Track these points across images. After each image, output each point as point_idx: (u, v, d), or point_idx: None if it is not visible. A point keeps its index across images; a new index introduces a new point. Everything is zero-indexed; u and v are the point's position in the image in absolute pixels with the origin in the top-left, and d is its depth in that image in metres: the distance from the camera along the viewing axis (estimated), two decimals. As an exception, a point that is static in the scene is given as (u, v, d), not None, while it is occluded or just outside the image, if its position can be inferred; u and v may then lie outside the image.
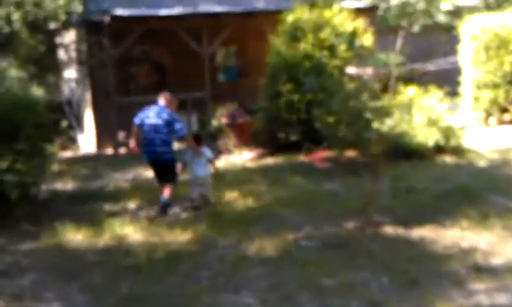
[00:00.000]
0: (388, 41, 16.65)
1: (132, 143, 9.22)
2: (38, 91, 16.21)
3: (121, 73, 15.88)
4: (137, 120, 9.10)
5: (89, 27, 15.37)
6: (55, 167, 13.09)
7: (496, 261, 6.29)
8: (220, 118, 13.91)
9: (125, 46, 14.99)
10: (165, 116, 8.96)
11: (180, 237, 7.69)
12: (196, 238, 7.62)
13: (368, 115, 8.55)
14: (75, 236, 7.91)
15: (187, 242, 7.51)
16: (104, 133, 15.59)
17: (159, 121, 8.92)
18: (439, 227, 7.42)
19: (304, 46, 12.77)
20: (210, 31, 15.61)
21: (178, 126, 8.95)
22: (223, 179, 10.35)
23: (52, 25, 15.24)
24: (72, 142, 16.77)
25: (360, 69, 12.85)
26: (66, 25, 15.37)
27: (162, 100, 9.18)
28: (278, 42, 13.28)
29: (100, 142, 15.82)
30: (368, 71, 12.40)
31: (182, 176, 9.47)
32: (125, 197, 9.94)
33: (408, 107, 9.47)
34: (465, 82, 15.70)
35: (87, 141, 16.43)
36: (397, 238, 7.15)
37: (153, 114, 9.01)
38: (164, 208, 8.81)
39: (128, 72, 16.39)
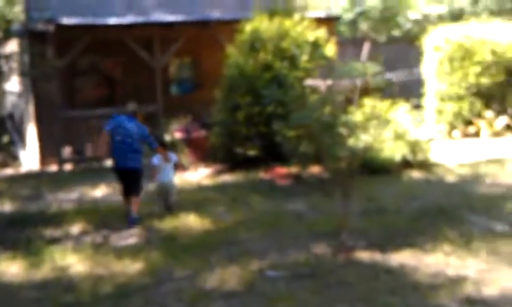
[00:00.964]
0: (348, 52, 16.05)
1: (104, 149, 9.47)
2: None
3: (67, 85, 14.90)
4: (108, 127, 9.13)
5: (33, 37, 14.35)
6: (-9, 187, 12.05)
7: (490, 291, 5.57)
8: (173, 132, 13.03)
9: (71, 56, 14.01)
10: (136, 126, 9.08)
11: (130, 267, 6.79)
12: (148, 268, 6.72)
13: (340, 130, 7.87)
14: (9, 268, 6.93)
15: (138, 273, 6.60)
16: (48, 149, 14.55)
17: (130, 131, 8.99)
18: (419, 252, 6.69)
19: (264, 56, 12.02)
20: (162, 41, 14.76)
21: (150, 138, 9.26)
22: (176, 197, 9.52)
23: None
24: (13, 159, 15.64)
25: (320, 81, 12.19)
26: (7, 35, 14.29)
27: (130, 111, 9.24)
28: (235, 52, 12.50)
29: (44, 159, 14.76)
30: (329, 83, 11.73)
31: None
32: (68, 220, 8.96)
33: (384, 121, 8.75)
34: (429, 94, 15.19)
35: (30, 157, 15.33)
36: (374, 265, 6.38)
37: (124, 124, 9.05)
38: (132, 224, 8.65)
39: (74, 84, 15.38)
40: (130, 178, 9.02)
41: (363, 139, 7.42)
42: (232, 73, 12.25)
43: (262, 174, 11.52)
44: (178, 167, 12.25)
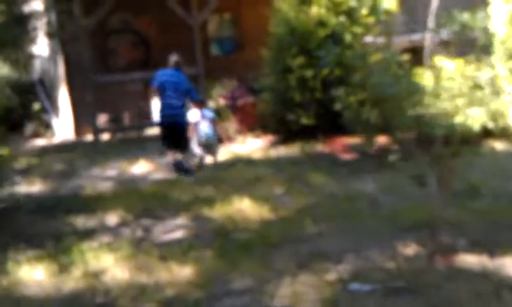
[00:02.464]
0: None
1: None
2: (1, 70, 14.01)
3: (99, 47, 13.65)
4: (155, 83, 9.06)
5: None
6: (22, 161, 10.96)
7: None
8: (217, 99, 11.73)
9: (99, 15, 12.73)
10: (183, 79, 9.06)
11: (178, 274, 5.55)
12: (199, 277, 5.48)
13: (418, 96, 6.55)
14: (33, 274, 5.76)
15: (188, 283, 5.37)
16: (82, 117, 13.41)
17: (181, 84, 8.98)
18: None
19: (317, 10, 10.57)
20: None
21: (194, 90, 9.24)
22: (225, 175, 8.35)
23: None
24: (45, 127, 14.53)
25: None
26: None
27: (174, 63, 9.16)
28: (284, 7, 11.03)
29: (78, 127, 13.64)
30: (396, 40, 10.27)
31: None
32: (104, 206, 7.76)
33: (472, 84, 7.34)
34: (498, 50, 13.54)
35: (63, 125, 14.21)
36: (486, 275, 5.03)
37: (173, 78, 9.01)
38: (180, 167, 8.87)
39: (106, 46, 14.13)
40: (180, 134, 9.08)
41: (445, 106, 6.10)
42: (281, 31, 10.83)
43: (321, 147, 10.21)
44: (224, 138, 11.03)
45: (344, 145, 10.10)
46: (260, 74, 11.55)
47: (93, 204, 7.92)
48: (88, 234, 6.75)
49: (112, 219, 7.31)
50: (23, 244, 6.39)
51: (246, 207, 7.38)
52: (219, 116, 11.54)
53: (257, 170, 9.16)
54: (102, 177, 9.61)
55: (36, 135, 14.24)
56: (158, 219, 7.18)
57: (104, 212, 7.50)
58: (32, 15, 13.08)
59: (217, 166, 9.52)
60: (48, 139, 13.95)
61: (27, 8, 13.57)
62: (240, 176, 8.85)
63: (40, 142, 13.75)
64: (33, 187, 9.18)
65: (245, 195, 7.80)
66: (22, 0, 12.81)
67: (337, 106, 9.56)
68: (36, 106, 14.65)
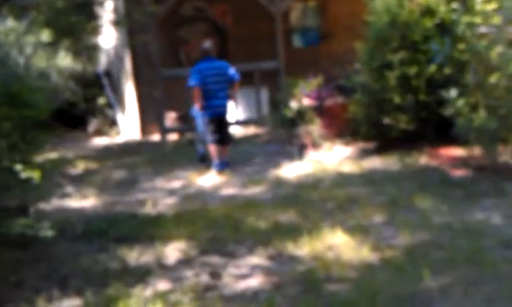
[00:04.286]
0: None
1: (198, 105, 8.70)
2: (64, 61, 12.85)
3: (169, 38, 12.34)
4: (196, 81, 8.59)
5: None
6: (79, 165, 9.77)
7: None
8: (301, 98, 10.15)
9: (171, 1, 11.38)
10: (222, 66, 8.82)
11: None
12: None
13: None
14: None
15: None
16: (149, 114, 12.15)
17: (225, 71, 8.77)
18: None
19: (424, -4, 8.84)
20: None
21: (231, 70, 8.82)
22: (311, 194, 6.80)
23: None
24: (110, 124, 13.36)
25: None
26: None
27: (209, 49, 8.84)
28: (385, -8, 9.31)
29: (145, 125, 12.39)
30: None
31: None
32: (165, 232, 6.33)
33: None
34: None
35: (129, 123, 13.00)
36: None
37: (216, 67, 8.76)
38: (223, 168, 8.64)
39: (177, 36, 12.77)
40: (227, 126, 8.98)
41: None
42: (380, 20, 9.13)
43: (425, 159, 8.48)
44: (308, 144, 9.49)
45: (453, 157, 8.38)
46: (350, 70, 9.92)
47: (152, 229, 6.50)
48: (140, 276, 5.31)
49: (172, 253, 5.84)
50: (57, 289, 5.03)
51: (339, 243, 5.79)
52: (301, 118, 10.03)
53: (349, 188, 7.55)
54: (165, 190, 8.22)
55: (100, 132, 13.09)
56: (229, 256, 5.67)
57: (163, 243, 6.06)
58: (95, 1, 11.92)
59: (301, 183, 7.99)
60: (112, 138, 12.76)
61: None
62: (329, 196, 7.28)
63: (104, 140, 12.59)
64: (85, 201, 7.88)
65: (337, 224, 6.23)
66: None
67: (448, 111, 7.86)
68: (101, 100, 13.51)
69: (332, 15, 13.50)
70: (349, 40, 12.10)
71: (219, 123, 8.77)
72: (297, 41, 13.78)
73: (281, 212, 6.82)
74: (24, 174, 5.39)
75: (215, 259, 5.63)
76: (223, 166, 8.70)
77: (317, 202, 7.08)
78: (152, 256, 5.77)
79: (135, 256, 5.80)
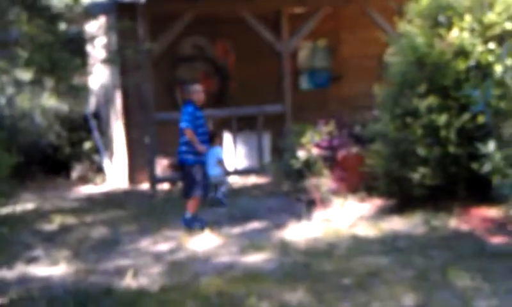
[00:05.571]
0: None
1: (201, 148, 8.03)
2: (49, 101, 11.77)
3: (164, 77, 11.24)
4: (188, 124, 7.96)
5: (120, 12, 10.80)
6: (55, 220, 8.59)
7: None
8: (309, 147, 8.96)
9: (168, 39, 10.30)
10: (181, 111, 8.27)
11: None
12: None
13: None
14: None
15: None
16: (139, 160, 10.98)
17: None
18: None
19: (459, 35, 7.66)
20: (290, 18, 10.83)
21: (182, 117, 8.13)
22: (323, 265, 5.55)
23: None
24: (96, 171, 12.17)
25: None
26: (88, 12, 10.70)
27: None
28: (411, 30, 8.13)
29: (134, 173, 11.22)
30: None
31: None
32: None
33: None
34: None
35: (116, 170, 11.82)
36: None
37: (199, 110, 8.22)
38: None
39: (173, 76, 11.67)
40: (185, 175, 8.22)
41: None
42: (405, 61, 7.96)
43: (454, 222, 7.24)
44: (317, 200, 8.29)
45: (487, 219, 7.18)
46: (367, 116, 8.77)
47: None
48: None
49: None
50: None
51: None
52: (309, 169, 8.84)
53: (368, 258, 6.31)
54: (150, 254, 6.97)
55: (85, 179, 11.90)
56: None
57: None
58: (84, 37, 10.87)
59: (311, 250, 6.75)
60: (98, 186, 11.56)
61: (77, 29, 11.37)
62: (345, 268, 6.04)
63: (88, 189, 11.38)
64: (55, 268, 6.61)
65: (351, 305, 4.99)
66: (74, 20, 10.49)
67: (486, 166, 6.66)
68: (88, 145, 12.32)
69: (344, 55, 12.44)
70: (361, 83, 11.04)
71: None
72: (304, 83, 12.67)
73: (288, 288, 5.57)
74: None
75: None
76: (192, 223, 7.90)
77: (331, 276, 5.84)
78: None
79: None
